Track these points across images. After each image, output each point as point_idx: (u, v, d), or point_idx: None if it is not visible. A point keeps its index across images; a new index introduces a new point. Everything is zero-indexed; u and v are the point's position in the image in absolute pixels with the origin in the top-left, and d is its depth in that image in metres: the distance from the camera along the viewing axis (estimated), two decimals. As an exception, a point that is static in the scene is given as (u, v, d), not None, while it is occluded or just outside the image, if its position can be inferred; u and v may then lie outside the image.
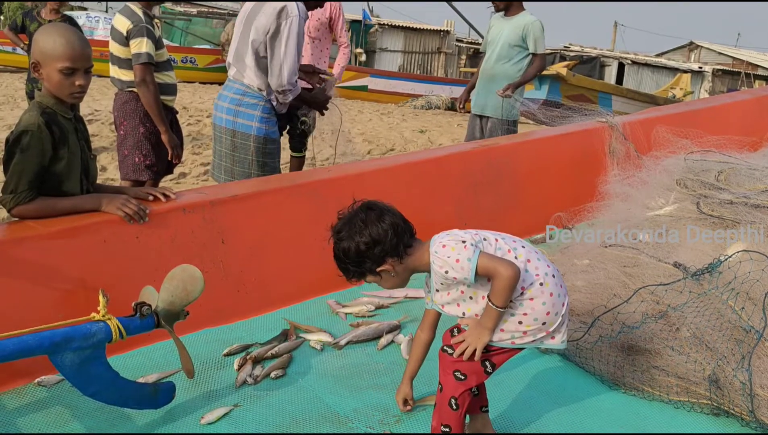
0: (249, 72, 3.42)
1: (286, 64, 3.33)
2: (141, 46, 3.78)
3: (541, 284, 1.88)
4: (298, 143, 5.33)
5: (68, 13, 10.03)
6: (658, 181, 3.55)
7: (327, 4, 5.44)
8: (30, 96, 6.67)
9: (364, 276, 1.94)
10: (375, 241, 1.86)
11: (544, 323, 1.90)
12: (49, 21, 5.98)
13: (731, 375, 2.23)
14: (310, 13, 5.41)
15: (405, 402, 2.20)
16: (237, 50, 3.49)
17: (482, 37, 5.68)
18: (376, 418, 2.18)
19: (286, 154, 5.34)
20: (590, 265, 2.94)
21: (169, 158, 4.07)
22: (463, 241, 1.86)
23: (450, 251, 1.85)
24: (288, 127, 4.96)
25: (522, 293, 1.88)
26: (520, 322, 1.90)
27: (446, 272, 1.86)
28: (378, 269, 1.91)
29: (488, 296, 1.86)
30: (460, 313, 1.96)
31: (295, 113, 4.76)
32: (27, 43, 6.74)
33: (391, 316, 2.91)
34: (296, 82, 3.42)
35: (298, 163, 5.35)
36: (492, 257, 1.84)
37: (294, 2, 3.36)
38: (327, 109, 3.87)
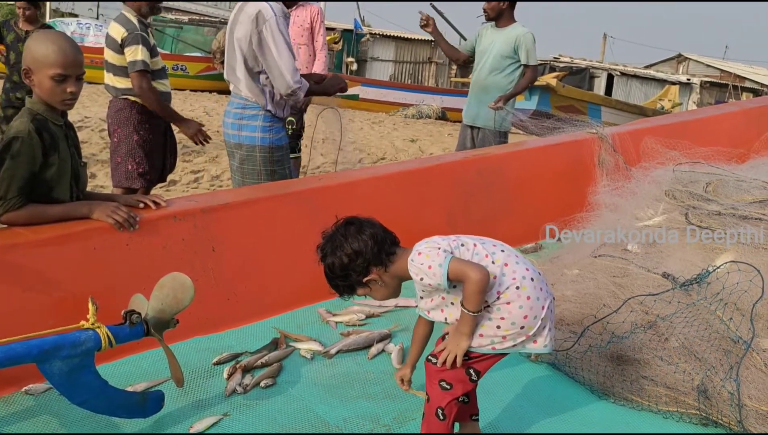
0: (243, 85, 3.40)
1: (284, 67, 3.28)
2: (136, 53, 3.78)
3: (517, 288, 1.88)
4: (293, 144, 5.34)
5: (58, 20, 9.95)
6: (647, 192, 3.57)
7: (307, 10, 5.51)
8: (3, 106, 6.28)
9: (354, 290, 1.99)
10: (356, 252, 1.91)
11: (522, 327, 1.89)
12: (26, 31, 5.86)
13: (720, 385, 2.24)
14: (291, 20, 5.44)
15: (402, 381, 2.22)
16: (228, 63, 3.46)
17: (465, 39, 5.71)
18: (367, 428, 2.17)
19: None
20: (580, 275, 2.95)
21: (193, 142, 4.09)
22: (438, 248, 1.88)
23: (424, 259, 1.88)
24: None
25: (498, 297, 1.88)
26: (498, 327, 1.90)
27: (421, 279, 1.89)
28: (365, 280, 1.95)
29: (461, 302, 1.87)
30: (443, 318, 1.99)
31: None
32: (1, 53, 6.57)
33: (381, 325, 2.90)
34: (300, 78, 3.35)
35: (294, 165, 5.35)
36: (462, 262, 1.86)
37: (267, 3, 3.29)
38: (345, 91, 3.76)
